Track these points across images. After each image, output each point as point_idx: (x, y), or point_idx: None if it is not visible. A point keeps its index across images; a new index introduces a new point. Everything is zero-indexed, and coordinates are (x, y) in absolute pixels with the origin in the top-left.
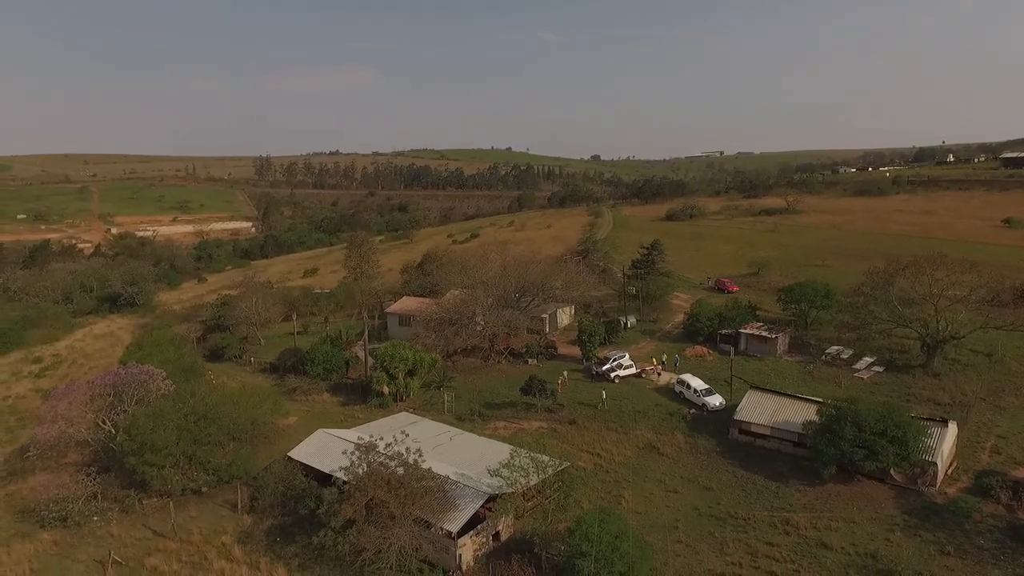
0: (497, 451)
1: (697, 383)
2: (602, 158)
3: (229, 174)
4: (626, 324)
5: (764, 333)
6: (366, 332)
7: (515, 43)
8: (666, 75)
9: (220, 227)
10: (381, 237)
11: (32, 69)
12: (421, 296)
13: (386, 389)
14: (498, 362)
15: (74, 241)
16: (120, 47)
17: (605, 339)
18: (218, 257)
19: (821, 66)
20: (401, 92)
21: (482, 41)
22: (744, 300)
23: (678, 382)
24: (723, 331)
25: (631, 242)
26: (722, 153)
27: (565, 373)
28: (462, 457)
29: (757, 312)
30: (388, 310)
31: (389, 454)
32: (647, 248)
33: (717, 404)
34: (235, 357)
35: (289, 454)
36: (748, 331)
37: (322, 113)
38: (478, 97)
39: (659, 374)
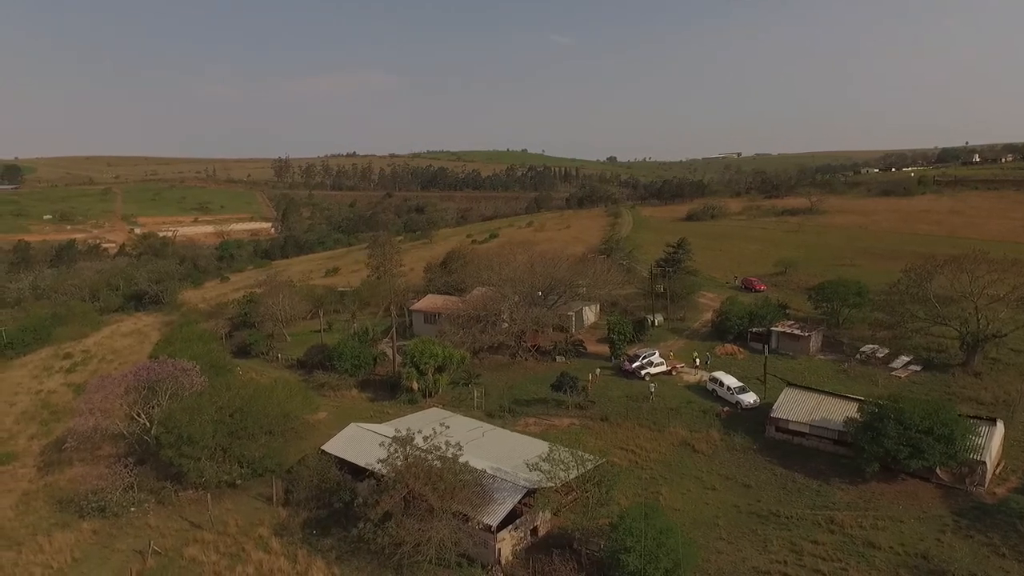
0: (531, 446)
1: (730, 380)
2: (618, 159)
3: (248, 176)
4: (653, 322)
5: (797, 331)
6: (394, 329)
7: (529, 46)
8: (681, 76)
9: (240, 228)
10: (400, 237)
11: (56, 74)
12: (446, 294)
13: (415, 385)
14: (525, 359)
15: (99, 241)
16: (142, 52)
17: (633, 337)
18: (239, 257)
19: (840, 66)
20: (417, 95)
21: (496, 44)
22: (773, 299)
23: (711, 379)
24: (754, 329)
25: (653, 242)
26: (739, 154)
27: (597, 370)
28: (496, 452)
29: (787, 311)
30: (413, 307)
31: (426, 447)
32: (673, 246)
33: (751, 402)
34: (262, 353)
35: (323, 447)
36: (780, 329)
37: (339, 116)
38: (493, 99)
39: (694, 371)
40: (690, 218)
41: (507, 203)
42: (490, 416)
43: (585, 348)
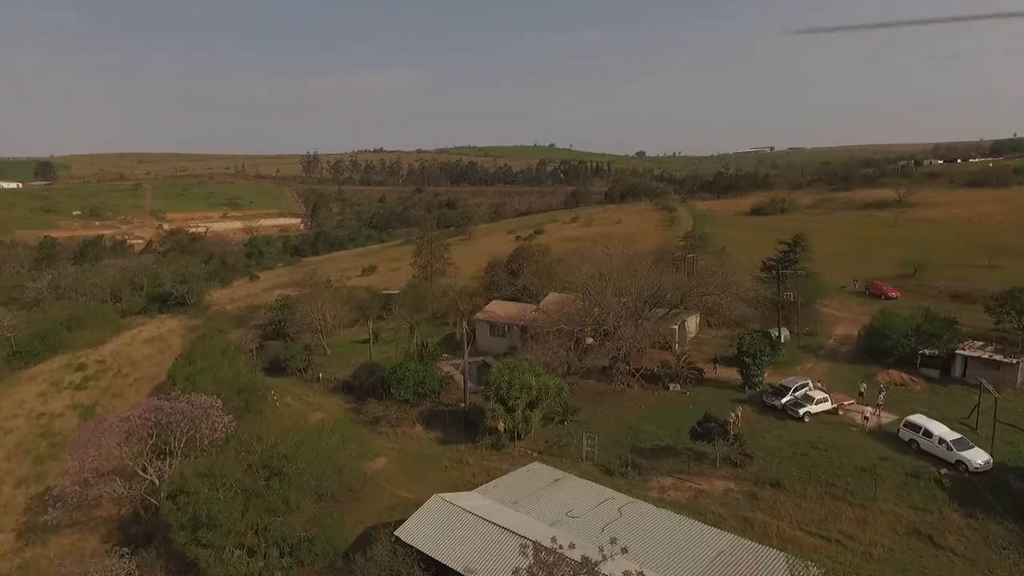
0: (703, 538)
1: (940, 429)
2: (647, 154)
3: (277, 171)
4: (779, 338)
5: (999, 356)
6: (467, 348)
7: (555, 41)
8: (709, 70)
9: (269, 223)
10: (436, 233)
11: (91, 73)
12: (514, 300)
13: (501, 427)
14: (629, 386)
15: (126, 237)
16: (174, 51)
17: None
18: (269, 254)
19: (872, 59)
20: (443, 91)
21: (522, 40)
22: (911, 306)
23: (906, 426)
24: (926, 351)
25: (731, 239)
26: (772, 148)
27: (739, 408)
28: (654, 550)
29: (956, 325)
30: (478, 316)
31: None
32: (788, 243)
33: (981, 463)
34: (299, 371)
35: (398, 534)
36: (970, 353)
37: (366, 112)
38: (519, 95)
39: (875, 413)
40: (756, 212)
41: (541, 198)
42: (608, 473)
43: (702, 372)
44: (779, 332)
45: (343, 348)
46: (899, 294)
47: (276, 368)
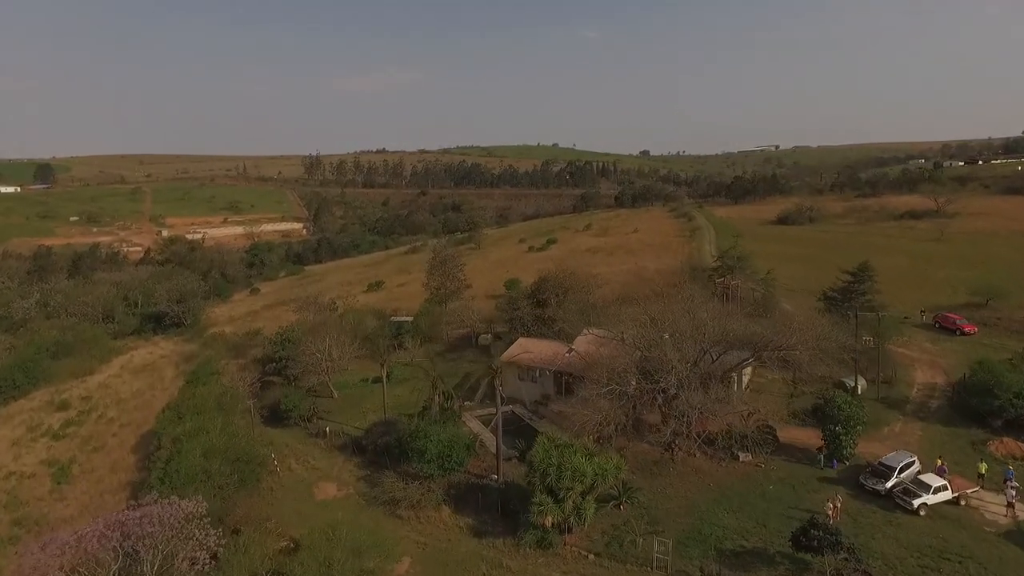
0: None
1: None
2: (651, 153)
3: (279, 173)
4: (856, 389)
5: None
6: (499, 410)
7: (556, 40)
8: (712, 69)
9: (271, 228)
10: (444, 240)
11: (91, 73)
12: (541, 333)
13: (548, 521)
14: (690, 454)
15: (124, 245)
16: (172, 51)
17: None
18: (270, 263)
19: (878, 55)
20: (444, 91)
21: (523, 39)
22: (991, 344)
23: None
24: None
25: (764, 254)
26: (778, 147)
27: (838, 498)
28: None
29: None
30: (505, 357)
31: None
32: (852, 272)
33: None
34: (304, 420)
35: None
36: None
37: (367, 112)
38: (522, 94)
39: (1011, 506)
40: (783, 221)
41: (548, 200)
42: None
43: (776, 436)
44: (855, 382)
45: (352, 389)
46: (975, 329)
47: (277, 417)
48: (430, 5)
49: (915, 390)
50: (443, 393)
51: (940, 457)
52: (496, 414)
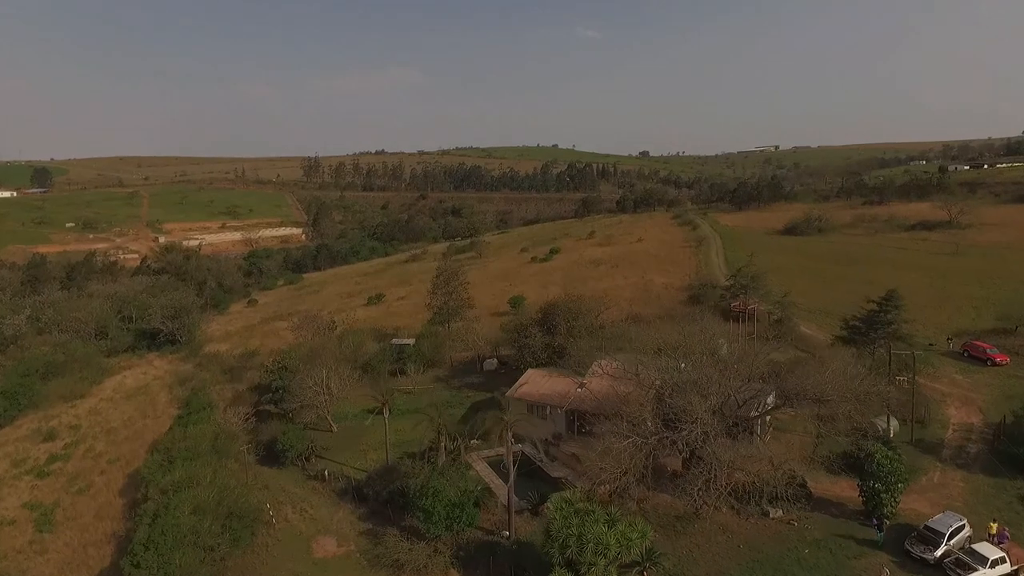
0: None
1: None
2: (651, 154)
3: (278, 176)
4: (886, 431)
5: None
6: (512, 475)
7: (555, 39)
8: (711, 68)
9: (269, 234)
10: (444, 248)
11: (89, 75)
12: (555, 370)
13: None
14: (716, 509)
15: (120, 252)
16: (171, 53)
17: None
18: (269, 271)
19: (878, 54)
20: (444, 91)
21: (523, 38)
22: None
23: None
24: None
25: (775, 268)
26: (777, 147)
27: (886, 570)
28: None
29: None
30: (512, 393)
31: None
32: (879, 302)
33: None
34: (302, 459)
35: None
36: None
37: (367, 113)
38: (521, 94)
39: None
40: (791, 231)
41: (549, 205)
42: None
43: (809, 490)
44: (887, 423)
45: (351, 421)
46: (1007, 359)
47: (273, 456)
48: (429, 6)
49: (950, 431)
50: (448, 439)
51: (995, 520)
52: (507, 459)
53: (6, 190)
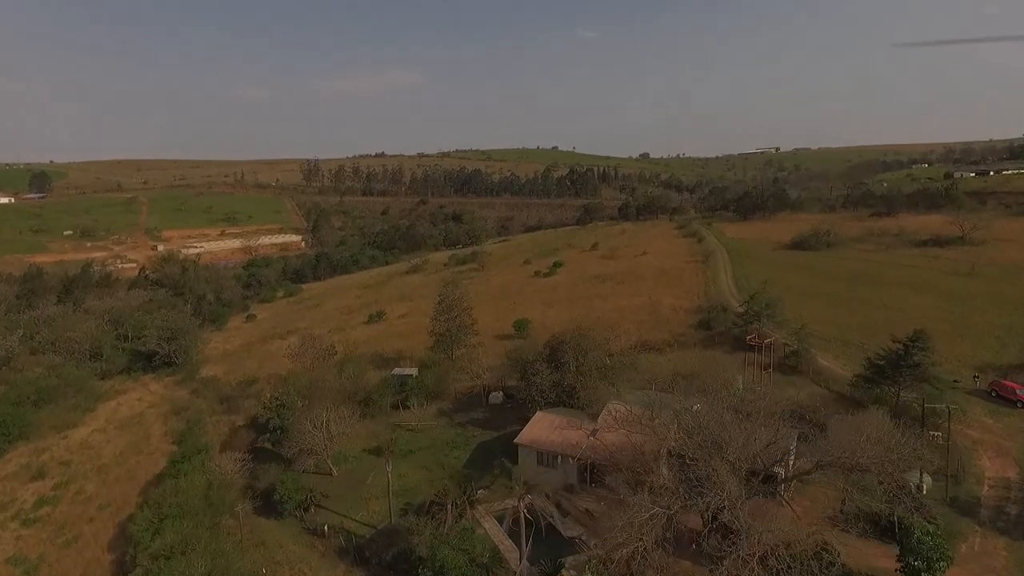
0: None
1: None
2: (651, 156)
3: (277, 180)
4: (919, 488)
5: None
6: (524, 542)
7: (556, 42)
8: (712, 70)
9: (269, 241)
10: (445, 258)
11: (89, 78)
12: (565, 411)
13: None
14: None
15: (118, 261)
16: (171, 54)
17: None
18: (268, 282)
19: (876, 55)
20: (443, 92)
21: (522, 40)
22: None
23: None
24: None
25: (786, 288)
26: (778, 149)
27: None
28: None
29: None
30: (520, 439)
31: None
32: (905, 343)
33: None
34: (300, 511)
35: None
36: None
37: (366, 115)
38: (521, 97)
39: None
40: (799, 245)
41: (551, 211)
42: None
43: (835, 550)
44: (919, 479)
45: (352, 463)
46: None
47: (270, 506)
48: (428, 8)
49: (986, 487)
50: (456, 492)
51: None
52: (521, 539)
53: (4, 195)
